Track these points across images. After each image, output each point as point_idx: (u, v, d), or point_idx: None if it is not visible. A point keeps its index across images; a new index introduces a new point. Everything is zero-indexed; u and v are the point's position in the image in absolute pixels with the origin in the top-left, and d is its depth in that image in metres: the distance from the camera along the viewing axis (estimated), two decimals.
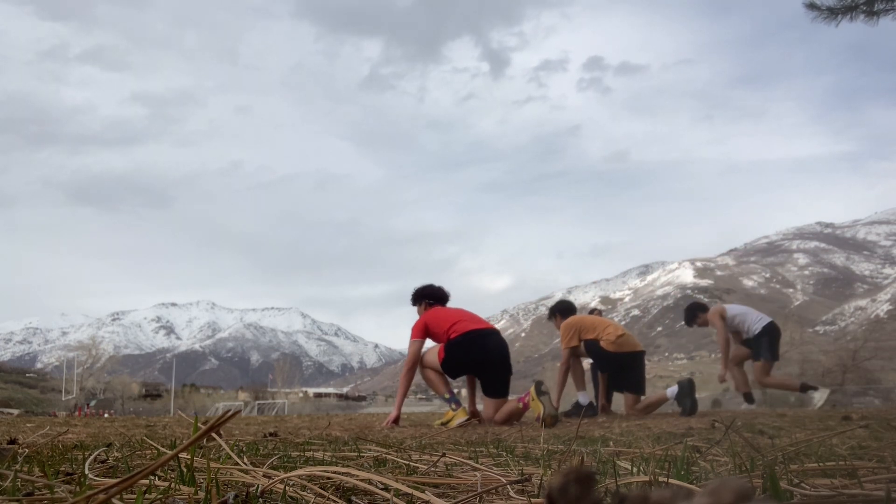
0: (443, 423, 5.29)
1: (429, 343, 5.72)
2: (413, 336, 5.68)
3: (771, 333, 8.15)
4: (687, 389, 6.47)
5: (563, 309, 7.73)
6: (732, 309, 8.30)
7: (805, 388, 8.27)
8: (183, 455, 1.18)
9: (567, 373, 7.31)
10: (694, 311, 8.49)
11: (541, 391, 4.87)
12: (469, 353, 5.49)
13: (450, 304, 6.11)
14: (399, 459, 1.77)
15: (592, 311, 9.96)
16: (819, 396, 8.15)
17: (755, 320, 8.22)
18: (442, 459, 1.69)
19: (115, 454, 2.09)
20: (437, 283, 6.18)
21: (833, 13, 7.80)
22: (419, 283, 6.21)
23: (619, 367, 7.07)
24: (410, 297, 6.11)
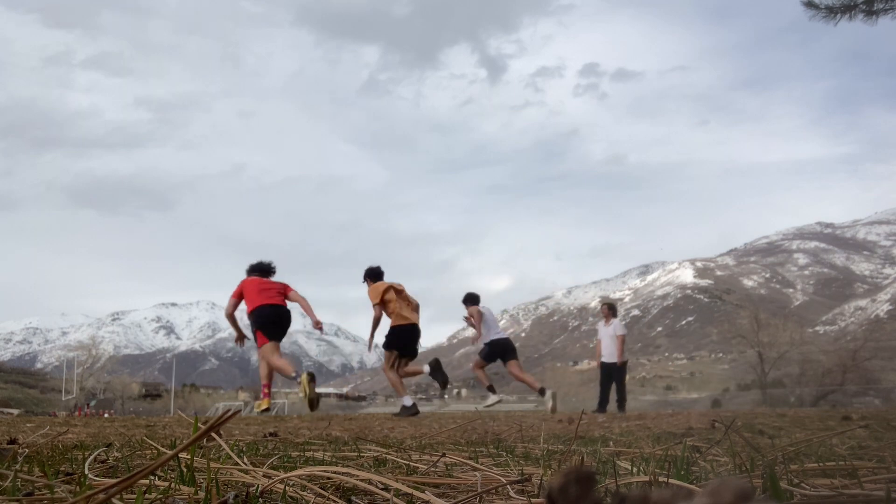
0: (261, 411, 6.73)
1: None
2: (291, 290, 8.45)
3: (495, 347, 10.25)
4: (436, 366, 8.66)
5: (372, 274, 8.98)
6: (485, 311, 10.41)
7: (490, 389, 10.17)
8: (183, 455, 1.18)
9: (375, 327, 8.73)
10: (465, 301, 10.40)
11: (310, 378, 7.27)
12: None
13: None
14: (399, 459, 1.77)
15: (610, 306, 11.40)
16: (493, 399, 9.99)
17: (488, 332, 10.19)
18: (442, 459, 1.69)
19: (115, 454, 2.08)
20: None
21: (832, 12, 7.80)
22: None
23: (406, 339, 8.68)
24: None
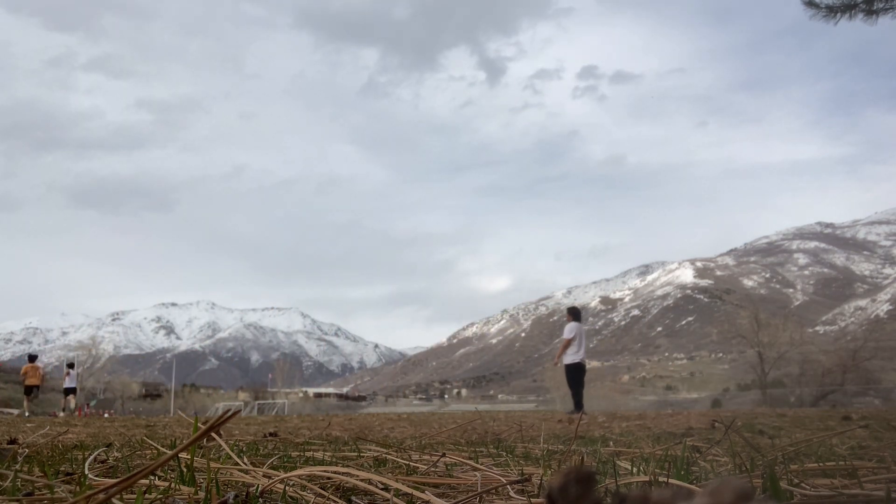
0: None
1: None
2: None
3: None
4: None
5: (29, 357, 18.94)
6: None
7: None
8: (183, 455, 1.18)
9: None
10: None
11: None
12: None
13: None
14: (399, 459, 1.77)
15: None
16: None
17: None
18: (442, 459, 1.69)
19: (115, 454, 2.09)
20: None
21: (832, 11, 7.78)
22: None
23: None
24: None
